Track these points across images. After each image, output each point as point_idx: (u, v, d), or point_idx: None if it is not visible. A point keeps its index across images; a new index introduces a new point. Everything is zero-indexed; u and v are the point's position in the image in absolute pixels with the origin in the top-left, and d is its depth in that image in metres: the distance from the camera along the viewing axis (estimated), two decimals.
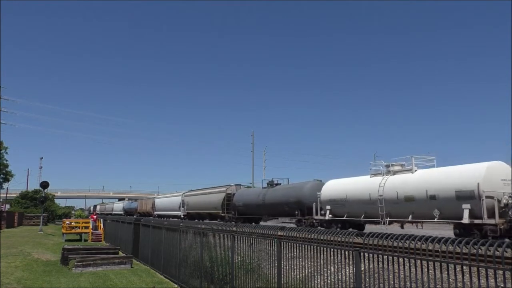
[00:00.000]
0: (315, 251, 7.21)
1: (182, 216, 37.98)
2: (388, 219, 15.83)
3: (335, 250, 6.64)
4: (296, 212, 21.64)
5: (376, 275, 6.07)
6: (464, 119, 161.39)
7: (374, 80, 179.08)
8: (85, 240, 34.08)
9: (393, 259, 5.57)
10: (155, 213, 47.63)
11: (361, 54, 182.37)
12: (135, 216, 38.19)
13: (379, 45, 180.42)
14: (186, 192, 39.77)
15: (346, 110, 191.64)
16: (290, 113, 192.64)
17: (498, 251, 4.22)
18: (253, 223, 22.16)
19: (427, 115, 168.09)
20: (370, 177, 17.50)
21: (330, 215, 18.80)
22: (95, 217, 40.88)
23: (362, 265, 6.05)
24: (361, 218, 17.26)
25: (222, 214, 30.05)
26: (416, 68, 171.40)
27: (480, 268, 4.40)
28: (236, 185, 31.53)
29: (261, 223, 25.40)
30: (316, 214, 19.82)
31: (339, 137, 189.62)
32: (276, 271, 8.25)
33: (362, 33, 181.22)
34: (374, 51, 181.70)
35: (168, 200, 44.73)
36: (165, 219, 34.05)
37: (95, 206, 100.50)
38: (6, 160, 45.11)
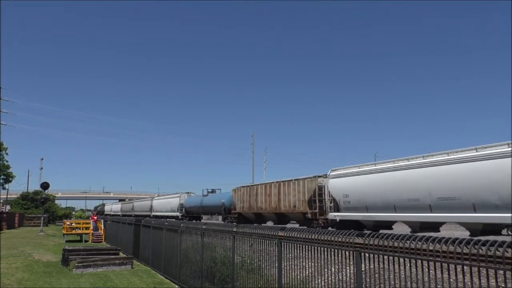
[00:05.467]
0: (316, 252, 7.22)
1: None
2: None
3: (336, 251, 6.65)
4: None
5: (376, 275, 6.06)
6: (464, 118, 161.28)
7: (375, 80, 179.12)
8: (86, 241, 34.11)
9: (393, 259, 5.56)
10: (337, 215, 17.74)
11: (361, 53, 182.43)
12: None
13: (379, 44, 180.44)
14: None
15: (347, 110, 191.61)
16: (290, 112, 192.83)
17: (498, 251, 4.23)
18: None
19: (427, 115, 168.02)
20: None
21: None
22: (95, 217, 40.92)
23: (363, 265, 6.05)
24: None
25: None
26: (415, 65, 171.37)
27: (480, 268, 4.40)
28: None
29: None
30: None
31: (340, 136, 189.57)
32: (276, 272, 8.25)
33: (362, 32, 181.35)
34: (374, 50, 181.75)
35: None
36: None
37: (96, 207, 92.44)
38: (7, 161, 45.23)
